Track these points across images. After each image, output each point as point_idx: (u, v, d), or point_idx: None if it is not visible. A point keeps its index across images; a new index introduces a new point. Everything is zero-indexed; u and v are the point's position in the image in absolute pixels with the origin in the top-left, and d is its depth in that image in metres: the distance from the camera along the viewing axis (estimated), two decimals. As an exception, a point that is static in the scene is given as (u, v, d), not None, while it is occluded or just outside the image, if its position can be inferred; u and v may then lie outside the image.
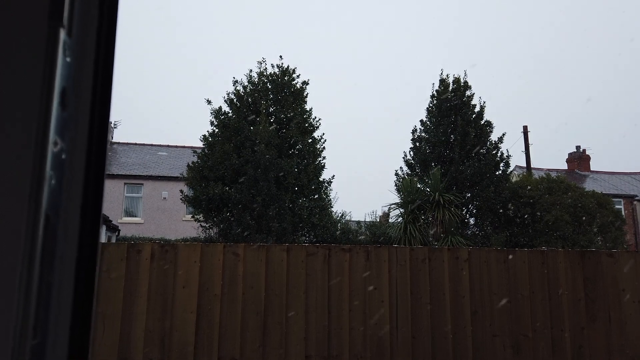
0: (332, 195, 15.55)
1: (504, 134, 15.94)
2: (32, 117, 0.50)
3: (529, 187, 14.96)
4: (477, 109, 16.10)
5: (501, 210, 14.75)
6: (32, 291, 0.49)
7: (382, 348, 4.67)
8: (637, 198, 27.70)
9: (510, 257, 4.95)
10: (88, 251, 0.56)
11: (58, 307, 0.53)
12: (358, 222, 18.62)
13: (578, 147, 32.10)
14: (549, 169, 27.28)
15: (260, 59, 15.81)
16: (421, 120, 16.70)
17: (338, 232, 14.45)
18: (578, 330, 4.82)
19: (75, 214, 0.56)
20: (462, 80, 16.36)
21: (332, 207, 15.34)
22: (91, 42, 0.59)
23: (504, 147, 23.78)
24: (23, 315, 0.48)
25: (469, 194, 15.09)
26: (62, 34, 0.53)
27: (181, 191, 15.08)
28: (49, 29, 0.52)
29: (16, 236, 0.48)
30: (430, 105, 16.61)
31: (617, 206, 22.31)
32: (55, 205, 0.52)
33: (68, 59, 0.54)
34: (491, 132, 15.90)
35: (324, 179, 15.05)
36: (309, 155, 14.57)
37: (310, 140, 14.96)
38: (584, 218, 13.93)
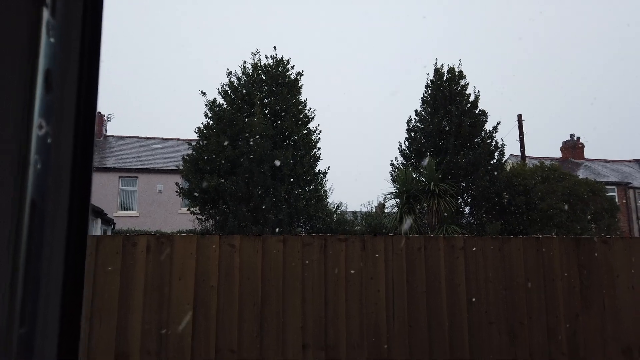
0: (327, 186, 15.55)
1: (498, 123, 15.96)
2: (15, 98, 0.48)
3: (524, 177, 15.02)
4: (471, 98, 16.09)
5: (496, 199, 14.81)
6: (19, 278, 0.47)
7: (378, 336, 4.69)
8: (630, 185, 27.88)
9: (506, 245, 4.97)
10: (77, 236, 0.55)
11: (47, 295, 0.52)
12: (354, 213, 18.66)
13: (572, 136, 32.24)
14: (543, 158, 27.40)
15: (255, 50, 15.72)
16: (416, 110, 16.69)
17: (333, 224, 14.48)
18: (573, 317, 4.86)
19: (63, 199, 0.54)
20: (456, 70, 16.33)
21: (327, 197, 15.35)
22: (76, 23, 0.57)
23: (498, 136, 23.83)
24: (9, 303, 0.47)
25: (464, 183, 15.13)
26: (46, 14, 0.51)
27: (176, 184, 15.03)
28: (32, 8, 0.50)
29: (1, 221, 0.47)
30: (425, 95, 16.58)
31: (610, 193, 22.47)
32: (42, 190, 0.51)
33: (52, 40, 0.52)
34: (486, 121, 15.92)
35: (319, 170, 15.05)
36: (304, 146, 14.54)
37: (305, 132, 14.92)
38: (589, 193, 13.90)
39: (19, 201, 0.48)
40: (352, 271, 4.77)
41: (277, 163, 13.23)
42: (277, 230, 12.86)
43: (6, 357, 0.46)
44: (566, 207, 14.25)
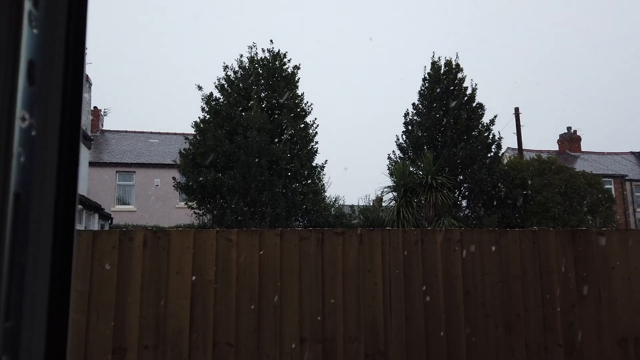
0: (325, 180, 15.54)
1: (495, 116, 15.97)
2: None
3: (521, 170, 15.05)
4: (468, 91, 16.08)
5: (493, 192, 14.84)
6: (3, 272, 0.47)
7: (376, 329, 4.71)
8: (627, 178, 27.98)
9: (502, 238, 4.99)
10: (64, 230, 0.54)
11: (33, 289, 0.52)
12: (351, 207, 18.68)
13: (569, 128, 32.29)
14: (540, 150, 27.43)
15: (251, 44, 15.66)
16: (413, 104, 16.67)
17: (331, 217, 14.48)
18: (569, 308, 4.88)
19: (49, 192, 0.54)
20: (453, 63, 16.31)
21: (325, 191, 15.36)
22: (61, 14, 0.56)
23: (495, 129, 23.84)
24: None
25: (461, 177, 15.15)
26: (27, 4, 0.50)
27: (174, 178, 15.00)
28: None
29: None
30: (422, 88, 16.56)
31: (607, 186, 22.53)
32: (26, 183, 0.50)
33: (35, 31, 0.51)
34: (483, 114, 15.92)
35: (316, 164, 15.04)
36: (301, 140, 14.52)
37: (302, 126, 14.90)
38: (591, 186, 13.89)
39: (1, 194, 0.47)
40: (349, 265, 4.78)
41: (274, 153, 13.20)
42: (274, 224, 12.86)
43: None
44: (564, 200, 14.28)
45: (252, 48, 15.30)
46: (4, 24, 0.48)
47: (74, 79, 0.57)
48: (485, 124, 15.78)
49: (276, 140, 14.09)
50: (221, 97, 14.75)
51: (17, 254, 0.48)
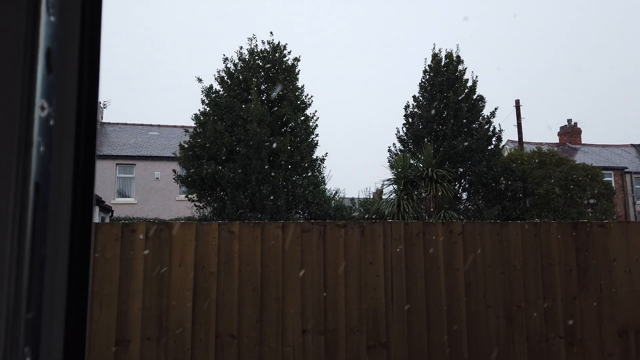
0: (325, 172, 15.53)
1: (496, 109, 15.93)
2: (15, 78, 0.46)
3: (519, 162, 15.04)
4: (469, 83, 16.03)
5: (493, 185, 14.84)
6: (24, 263, 0.46)
7: (377, 321, 4.73)
8: (626, 170, 27.99)
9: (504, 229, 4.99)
10: (82, 220, 0.54)
11: (53, 280, 0.51)
12: (352, 199, 18.70)
13: (569, 121, 32.24)
14: (540, 143, 27.40)
15: (251, 36, 15.57)
16: (414, 96, 16.62)
17: (331, 210, 14.48)
18: (570, 300, 4.90)
19: (67, 182, 0.53)
20: (454, 55, 16.24)
21: (325, 184, 15.35)
22: (76, 1, 0.55)
23: (496, 121, 23.80)
24: (15, 289, 0.46)
25: (462, 169, 15.14)
26: None
27: (174, 171, 14.99)
28: None
29: (5, 205, 0.46)
30: (423, 80, 16.50)
31: (607, 178, 22.55)
32: (45, 173, 0.50)
33: (52, 19, 0.51)
34: (483, 107, 15.88)
35: (317, 157, 15.01)
36: (301, 132, 14.49)
37: (302, 118, 14.85)
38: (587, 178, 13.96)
39: (22, 184, 0.47)
40: (351, 257, 4.79)
41: (274, 145, 13.19)
42: (275, 217, 12.86)
43: (14, 342, 0.45)
44: (564, 193, 14.29)
45: (251, 40, 15.22)
46: (23, 12, 0.47)
47: (90, 67, 0.56)
48: (485, 117, 15.76)
49: (276, 132, 14.06)
50: (221, 89, 14.70)
51: (37, 246, 0.48)
